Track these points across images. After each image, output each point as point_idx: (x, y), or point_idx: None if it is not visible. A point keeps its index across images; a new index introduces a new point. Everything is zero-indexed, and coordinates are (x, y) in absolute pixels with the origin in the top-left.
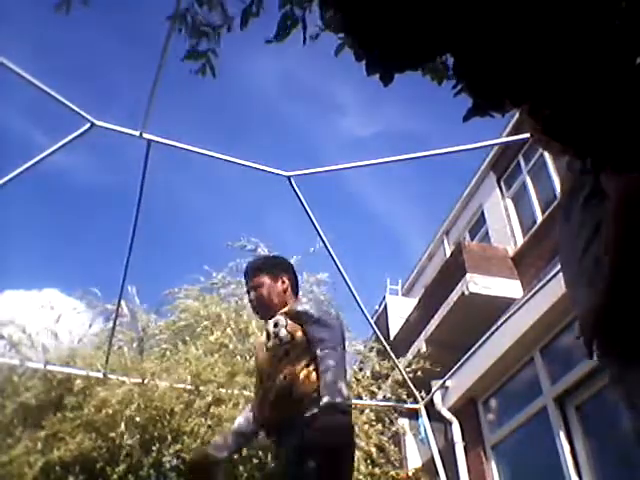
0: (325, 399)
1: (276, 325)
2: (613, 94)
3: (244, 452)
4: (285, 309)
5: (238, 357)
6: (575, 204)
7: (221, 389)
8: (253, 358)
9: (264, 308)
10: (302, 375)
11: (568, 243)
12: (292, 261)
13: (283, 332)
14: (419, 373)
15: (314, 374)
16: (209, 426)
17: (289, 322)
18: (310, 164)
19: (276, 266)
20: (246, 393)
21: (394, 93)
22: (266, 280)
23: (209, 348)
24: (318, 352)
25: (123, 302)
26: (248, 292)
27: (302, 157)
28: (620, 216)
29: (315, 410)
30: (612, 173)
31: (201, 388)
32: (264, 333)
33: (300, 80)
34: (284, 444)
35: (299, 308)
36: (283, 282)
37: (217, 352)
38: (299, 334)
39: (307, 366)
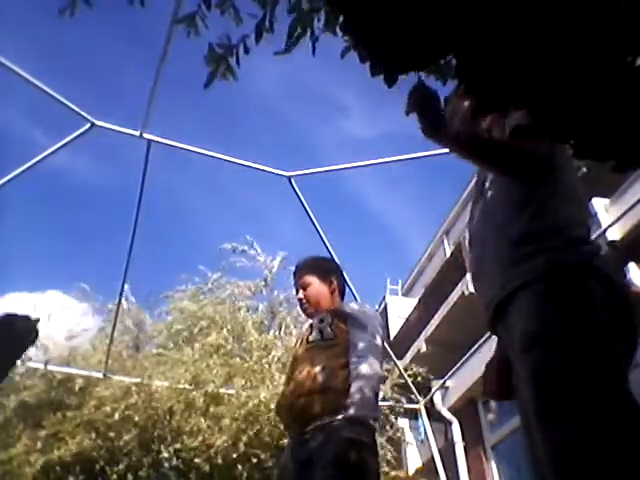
0: (351, 411)
1: (322, 321)
2: (614, 95)
3: (245, 451)
4: (332, 308)
5: (237, 359)
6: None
7: (220, 390)
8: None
9: (311, 307)
10: (341, 372)
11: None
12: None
13: (327, 329)
14: (419, 373)
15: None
16: (208, 426)
17: (335, 321)
18: (312, 166)
19: (325, 267)
20: (244, 393)
21: (396, 95)
22: (314, 280)
23: (206, 350)
24: (353, 358)
25: (123, 302)
26: (297, 291)
27: (304, 159)
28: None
29: (340, 417)
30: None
31: (199, 390)
32: (307, 326)
33: (302, 82)
34: (306, 439)
35: (346, 310)
36: (331, 283)
37: (215, 353)
38: (343, 334)
39: (347, 365)
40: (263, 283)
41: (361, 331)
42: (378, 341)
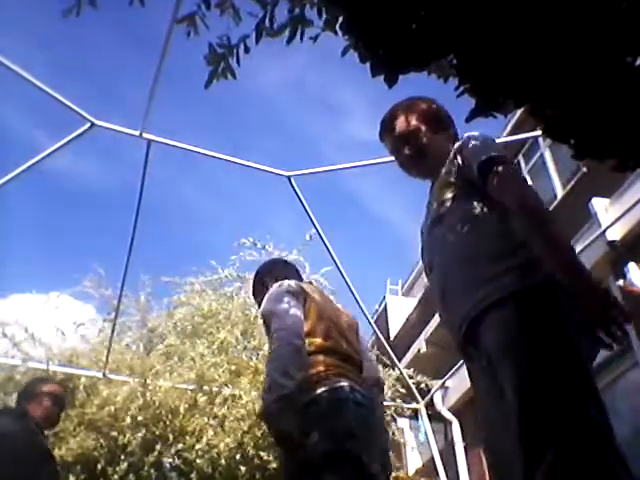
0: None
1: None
2: (614, 95)
3: (249, 452)
4: None
5: (243, 356)
6: None
7: (225, 387)
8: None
9: None
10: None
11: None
12: (291, 258)
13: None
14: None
15: None
16: (212, 426)
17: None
18: (312, 166)
19: (260, 279)
20: (254, 393)
21: (397, 96)
22: (263, 299)
23: (216, 347)
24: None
25: (134, 300)
26: None
27: (304, 159)
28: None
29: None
30: (497, 180)
31: (205, 388)
32: None
33: (303, 82)
34: None
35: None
36: (267, 287)
37: (223, 352)
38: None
39: None
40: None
41: (269, 317)
42: (278, 305)
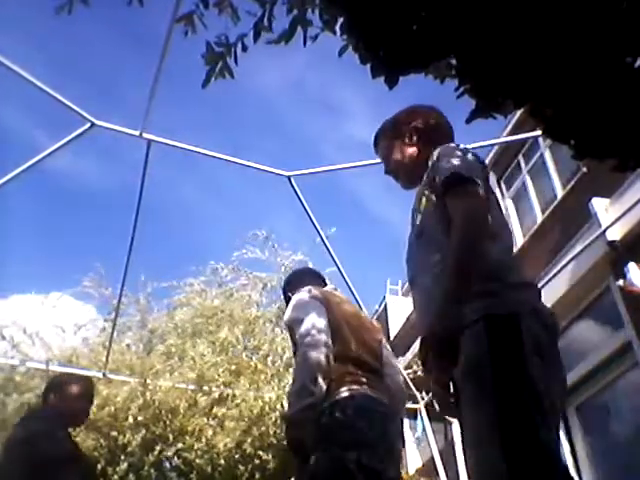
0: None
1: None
2: (614, 95)
3: (248, 452)
4: None
5: (244, 356)
6: None
7: (224, 387)
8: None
9: None
10: None
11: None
12: (294, 258)
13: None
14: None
15: None
16: (211, 426)
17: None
18: (312, 166)
19: (285, 293)
20: (251, 394)
21: (397, 94)
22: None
23: (215, 347)
24: None
25: (134, 301)
26: None
27: (304, 159)
28: (463, 228)
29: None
30: (453, 198)
31: (204, 388)
32: None
33: (303, 82)
34: None
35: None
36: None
37: (223, 351)
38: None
39: None
40: (275, 280)
41: (292, 328)
42: (300, 313)
